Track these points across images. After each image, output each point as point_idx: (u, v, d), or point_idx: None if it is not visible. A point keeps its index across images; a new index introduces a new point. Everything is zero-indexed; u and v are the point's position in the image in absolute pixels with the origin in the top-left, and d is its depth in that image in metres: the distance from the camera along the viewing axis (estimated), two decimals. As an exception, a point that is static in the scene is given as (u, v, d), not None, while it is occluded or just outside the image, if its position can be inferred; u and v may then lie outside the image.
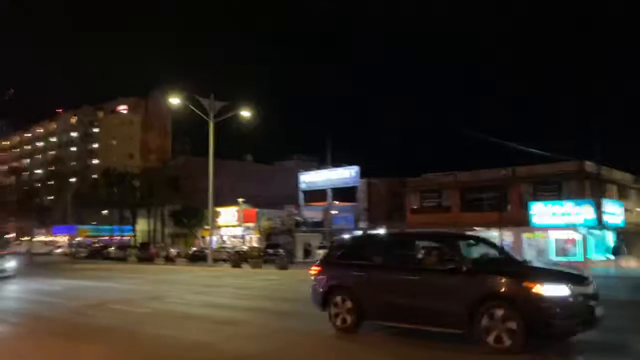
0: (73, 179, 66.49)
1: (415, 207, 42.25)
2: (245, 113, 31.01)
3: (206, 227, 57.68)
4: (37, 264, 41.85)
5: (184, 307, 13.65)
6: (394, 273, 8.52)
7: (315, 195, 52.18)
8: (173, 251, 50.46)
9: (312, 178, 50.82)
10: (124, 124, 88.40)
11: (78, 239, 70.36)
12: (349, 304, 8.80)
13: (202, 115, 29.87)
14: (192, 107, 29.54)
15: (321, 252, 39.34)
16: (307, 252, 41.89)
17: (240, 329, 10.11)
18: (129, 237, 69.89)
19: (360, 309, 8.69)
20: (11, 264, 23.35)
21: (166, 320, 11.31)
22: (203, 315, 12.23)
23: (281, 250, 41.75)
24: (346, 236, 23.92)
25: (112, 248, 56.65)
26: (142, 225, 66.71)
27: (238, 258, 34.87)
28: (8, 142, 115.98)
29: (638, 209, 40.97)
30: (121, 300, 14.78)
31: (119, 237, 68.01)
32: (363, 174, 46.18)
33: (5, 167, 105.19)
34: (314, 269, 9.92)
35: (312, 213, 53.07)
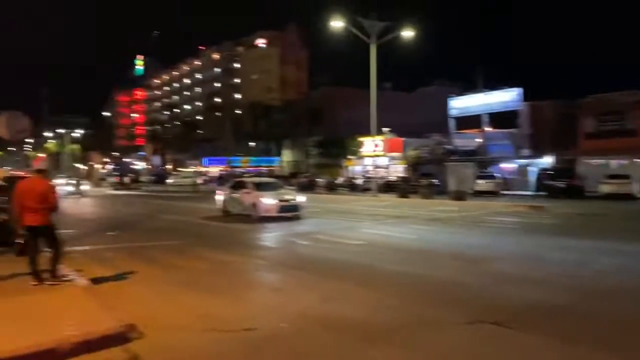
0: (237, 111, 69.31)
1: (590, 132, 37.63)
2: (409, 33, 28.69)
3: (350, 157, 57.78)
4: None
5: (396, 240, 12.90)
6: None
7: (464, 122, 48.89)
8: (321, 180, 51.17)
9: (464, 103, 47.48)
10: (263, 58, 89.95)
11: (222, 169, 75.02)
12: None
13: (363, 37, 28.22)
14: (353, 29, 27.88)
15: (481, 182, 37.09)
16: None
17: (499, 269, 8.94)
18: (272, 168, 72.94)
19: None
20: (300, 198, 18.66)
21: (398, 256, 10.57)
22: (429, 249, 11.32)
23: (435, 181, 40.04)
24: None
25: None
26: (286, 156, 68.77)
27: (405, 187, 34.25)
28: (158, 81, 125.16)
29: None
30: (319, 231, 14.50)
31: (265, 168, 71.10)
32: (524, 96, 41.92)
33: (159, 104, 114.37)
34: None
35: (461, 141, 50.10)
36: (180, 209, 25.57)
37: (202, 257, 10.71)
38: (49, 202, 7.48)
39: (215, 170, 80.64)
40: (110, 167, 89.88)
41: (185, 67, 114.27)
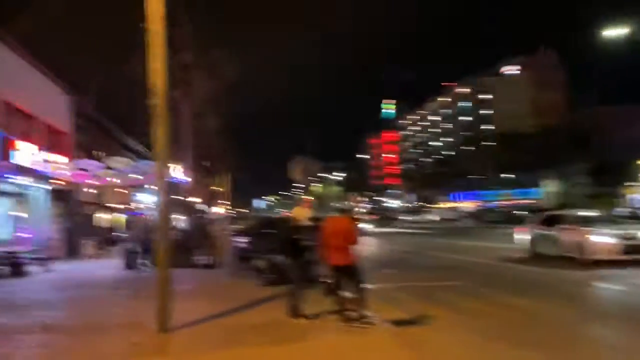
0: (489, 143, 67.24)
1: None
2: None
3: (631, 184, 49.57)
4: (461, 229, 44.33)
5: None
6: None
7: None
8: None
9: None
10: (514, 86, 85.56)
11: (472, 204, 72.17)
12: None
13: None
14: None
15: None
16: None
17: None
18: (530, 201, 67.14)
19: None
20: None
21: None
22: None
23: None
24: None
25: (525, 212, 55.06)
26: (548, 187, 62.77)
27: None
28: (408, 121, 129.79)
29: None
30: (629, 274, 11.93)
31: (523, 201, 65.93)
32: None
33: (410, 143, 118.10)
34: None
35: None
36: (448, 246, 24.87)
37: (503, 302, 9.56)
38: (352, 240, 7.51)
39: (468, 205, 78.39)
40: (365, 206, 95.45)
41: (434, 105, 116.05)
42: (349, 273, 7.57)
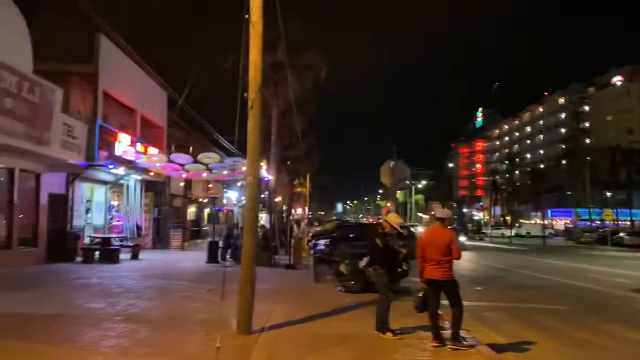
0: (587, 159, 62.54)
1: None
2: None
3: None
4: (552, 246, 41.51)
5: None
6: None
7: None
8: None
9: None
10: (619, 97, 78.95)
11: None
12: None
13: None
14: None
15: None
16: None
17: None
18: (629, 223, 61.61)
19: None
20: None
21: None
22: None
23: None
24: None
25: (623, 234, 50.66)
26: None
27: None
28: (497, 131, 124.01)
29: None
30: None
31: (624, 222, 60.68)
32: None
33: (499, 154, 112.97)
34: None
35: None
36: (542, 265, 23.23)
37: (616, 334, 8.46)
38: (454, 254, 6.78)
39: (559, 222, 73.22)
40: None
41: (527, 115, 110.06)
42: (446, 289, 6.86)
